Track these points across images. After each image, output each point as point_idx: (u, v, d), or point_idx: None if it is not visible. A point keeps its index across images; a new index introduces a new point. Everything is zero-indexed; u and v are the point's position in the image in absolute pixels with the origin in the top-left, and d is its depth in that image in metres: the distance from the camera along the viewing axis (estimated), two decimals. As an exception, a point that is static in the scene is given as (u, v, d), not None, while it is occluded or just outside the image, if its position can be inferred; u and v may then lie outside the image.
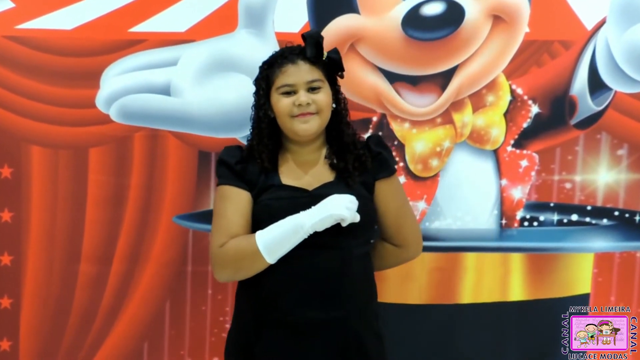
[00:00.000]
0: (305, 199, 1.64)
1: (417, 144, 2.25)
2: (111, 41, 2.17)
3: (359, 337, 1.66)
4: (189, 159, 2.23)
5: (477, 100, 2.25)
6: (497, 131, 2.26)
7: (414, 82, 2.21)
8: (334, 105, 1.72)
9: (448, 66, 2.20)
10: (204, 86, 2.16)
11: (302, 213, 1.60)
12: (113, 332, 2.28)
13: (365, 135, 1.96)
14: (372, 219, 1.72)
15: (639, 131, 2.28)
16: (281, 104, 1.67)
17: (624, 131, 2.28)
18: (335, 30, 2.15)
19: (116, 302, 2.26)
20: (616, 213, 2.29)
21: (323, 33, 2.13)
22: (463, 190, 2.28)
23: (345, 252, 1.64)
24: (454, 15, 2.15)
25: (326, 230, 1.59)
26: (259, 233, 1.61)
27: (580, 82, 2.24)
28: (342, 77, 1.74)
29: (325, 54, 1.70)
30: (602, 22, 2.22)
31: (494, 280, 2.30)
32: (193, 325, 2.29)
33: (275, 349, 1.65)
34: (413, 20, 2.14)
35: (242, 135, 2.17)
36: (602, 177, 2.28)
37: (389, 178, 1.75)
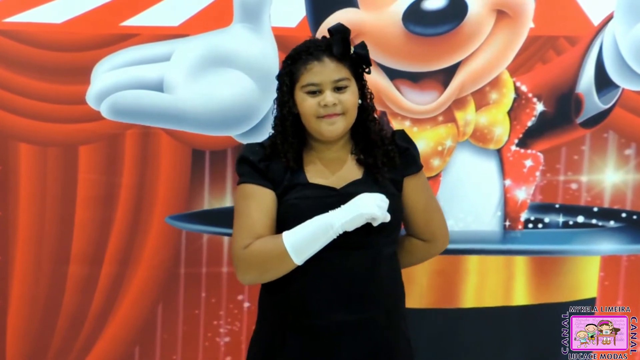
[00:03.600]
0: (334, 198, 1.58)
1: (418, 142, 2.18)
2: (102, 35, 2.14)
3: (388, 340, 1.61)
4: (182, 158, 2.20)
5: (480, 98, 2.23)
6: (501, 130, 2.24)
7: (415, 79, 2.20)
8: (359, 102, 1.66)
9: (450, 62, 2.19)
10: (198, 82, 2.13)
11: (331, 212, 1.54)
12: (103, 336, 2.24)
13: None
14: (400, 217, 1.68)
15: (648, 130, 2.28)
16: (306, 104, 1.60)
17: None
18: (333, 25, 2.12)
19: (107, 305, 2.23)
20: (623, 215, 2.28)
21: (321, 28, 2.13)
22: (465, 191, 2.26)
23: (375, 252, 1.59)
24: (456, 10, 2.14)
25: (356, 230, 1.54)
26: (285, 233, 1.55)
27: (586, 80, 2.22)
28: (369, 72, 1.68)
29: (352, 49, 1.63)
30: (610, 18, 2.21)
31: (497, 284, 2.28)
32: (186, 329, 2.26)
33: (301, 355, 1.58)
34: (414, 15, 2.13)
35: (236, 132, 2.15)
36: (609, 177, 2.27)
37: (417, 174, 1.71)
